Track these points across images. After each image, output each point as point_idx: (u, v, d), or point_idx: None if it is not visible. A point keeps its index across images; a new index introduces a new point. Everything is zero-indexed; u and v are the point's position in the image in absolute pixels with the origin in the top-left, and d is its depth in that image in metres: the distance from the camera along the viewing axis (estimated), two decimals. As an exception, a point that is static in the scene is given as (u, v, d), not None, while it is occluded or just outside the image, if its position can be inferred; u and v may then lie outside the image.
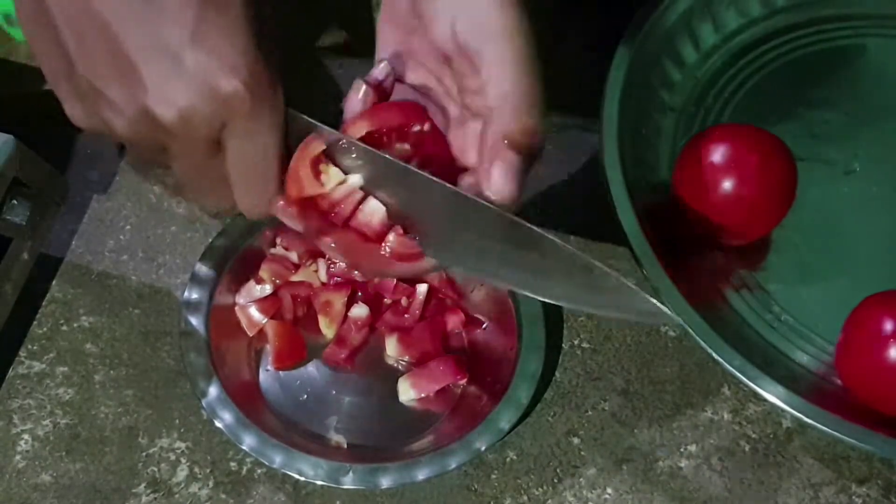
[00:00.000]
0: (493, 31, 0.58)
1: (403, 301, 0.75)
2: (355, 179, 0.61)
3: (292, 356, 0.73)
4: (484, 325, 0.75)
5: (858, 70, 0.88)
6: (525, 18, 0.59)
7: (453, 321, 0.75)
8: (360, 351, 0.74)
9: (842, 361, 0.72)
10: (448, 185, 0.58)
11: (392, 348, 0.73)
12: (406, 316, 0.74)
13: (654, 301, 0.56)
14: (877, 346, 0.69)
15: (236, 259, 0.75)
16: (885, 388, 0.70)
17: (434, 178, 0.58)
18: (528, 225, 0.57)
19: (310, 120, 0.59)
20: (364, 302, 0.74)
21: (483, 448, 0.69)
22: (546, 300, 0.59)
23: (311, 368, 0.74)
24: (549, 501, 0.71)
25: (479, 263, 0.60)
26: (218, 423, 0.69)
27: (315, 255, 0.75)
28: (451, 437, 0.69)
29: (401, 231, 0.61)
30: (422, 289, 0.75)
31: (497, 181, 0.58)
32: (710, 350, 0.70)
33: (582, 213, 0.81)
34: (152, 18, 0.52)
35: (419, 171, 0.58)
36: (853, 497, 0.72)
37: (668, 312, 0.56)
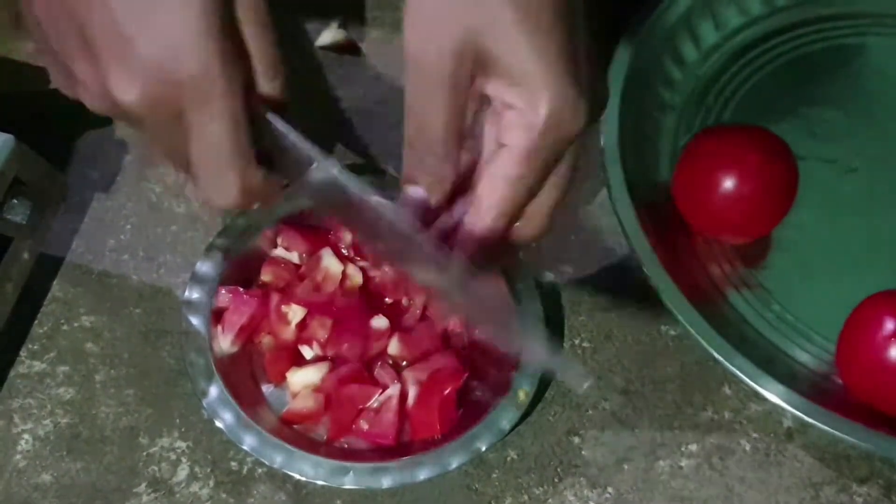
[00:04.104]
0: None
1: (404, 301, 0.75)
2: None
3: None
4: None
5: (859, 69, 0.88)
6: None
7: (453, 320, 0.75)
8: (378, 360, 0.73)
9: (843, 360, 0.72)
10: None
11: (393, 348, 0.73)
12: (407, 315, 0.74)
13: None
14: (878, 346, 0.69)
15: (237, 258, 0.74)
16: (886, 388, 0.70)
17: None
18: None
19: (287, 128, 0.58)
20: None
21: (484, 448, 0.68)
22: None
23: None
24: (550, 501, 0.71)
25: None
26: (218, 423, 0.69)
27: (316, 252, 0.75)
28: (451, 437, 0.69)
29: None
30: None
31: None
32: (710, 349, 0.70)
33: (583, 211, 0.81)
34: (110, 2, 0.52)
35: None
36: (854, 496, 0.72)
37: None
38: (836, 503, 0.71)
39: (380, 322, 0.72)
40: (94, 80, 0.55)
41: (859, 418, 0.69)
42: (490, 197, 0.56)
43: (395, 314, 0.73)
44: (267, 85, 0.58)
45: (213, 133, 0.55)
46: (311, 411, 0.71)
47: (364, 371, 0.72)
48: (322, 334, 0.72)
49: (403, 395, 0.71)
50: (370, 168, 0.82)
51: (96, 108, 0.57)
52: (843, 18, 0.89)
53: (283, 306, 0.73)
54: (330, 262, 0.74)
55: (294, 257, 0.75)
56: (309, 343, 0.73)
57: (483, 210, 0.57)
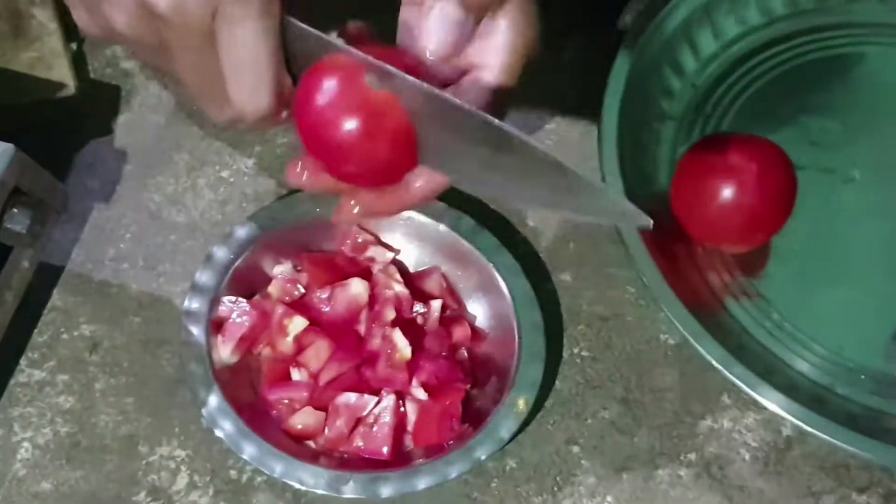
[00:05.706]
0: None
1: (419, 308, 0.75)
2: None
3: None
4: (486, 336, 0.75)
5: (857, 78, 0.88)
6: None
7: (459, 333, 0.75)
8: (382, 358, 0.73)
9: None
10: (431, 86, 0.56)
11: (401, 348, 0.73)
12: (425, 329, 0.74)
13: (625, 200, 0.54)
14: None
15: (237, 269, 0.74)
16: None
17: (418, 81, 0.56)
18: (502, 125, 0.54)
19: (310, 29, 0.57)
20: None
21: (483, 457, 0.69)
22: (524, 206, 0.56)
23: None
24: (549, 510, 0.71)
25: (465, 170, 0.58)
26: (218, 433, 0.69)
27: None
28: (451, 446, 0.69)
29: None
30: (436, 304, 0.75)
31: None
32: (709, 358, 0.70)
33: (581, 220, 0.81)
34: None
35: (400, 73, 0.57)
36: (853, 505, 0.72)
37: (639, 210, 0.54)
38: (835, 512, 0.72)
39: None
40: None
41: (860, 429, 0.69)
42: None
43: (411, 327, 0.74)
44: None
45: (251, 31, 0.54)
46: (311, 429, 0.71)
47: (359, 378, 0.72)
48: (315, 364, 0.72)
49: (400, 407, 0.71)
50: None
51: (126, 30, 0.55)
52: (841, 28, 0.89)
53: (285, 319, 0.73)
54: (358, 289, 0.74)
55: (302, 279, 0.75)
56: (300, 367, 0.73)
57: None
